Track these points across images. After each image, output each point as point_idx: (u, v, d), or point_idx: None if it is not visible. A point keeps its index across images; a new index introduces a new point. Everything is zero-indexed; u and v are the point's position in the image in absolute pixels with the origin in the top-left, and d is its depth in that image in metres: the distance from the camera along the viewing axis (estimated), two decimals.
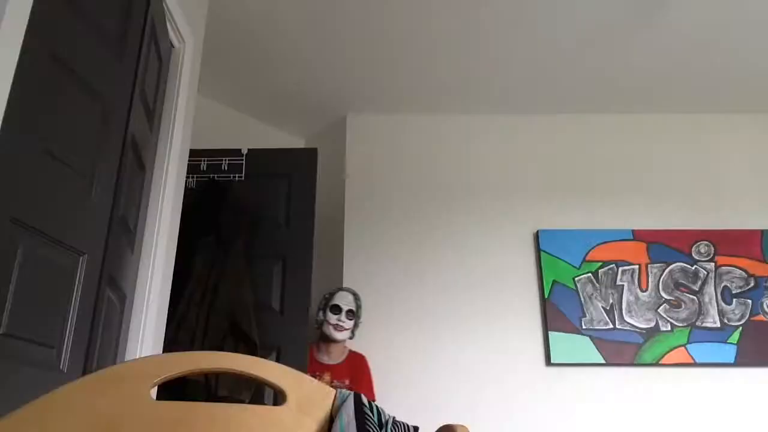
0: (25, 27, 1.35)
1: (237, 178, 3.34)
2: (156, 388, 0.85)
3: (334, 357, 2.92)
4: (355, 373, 2.87)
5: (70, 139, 1.53)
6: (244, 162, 3.37)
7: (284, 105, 3.76)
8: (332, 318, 2.88)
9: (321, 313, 2.97)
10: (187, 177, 3.17)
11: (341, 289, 3.02)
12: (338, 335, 2.87)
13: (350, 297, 2.97)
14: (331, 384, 2.77)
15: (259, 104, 3.76)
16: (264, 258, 3.12)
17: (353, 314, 2.94)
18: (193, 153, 3.26)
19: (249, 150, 3.39)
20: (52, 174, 1.47)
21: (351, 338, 2.96)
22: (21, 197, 1.34)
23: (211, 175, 3.31)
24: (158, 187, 2.27)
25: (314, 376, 2.80)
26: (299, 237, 3.30)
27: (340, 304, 2.91)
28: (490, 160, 3.70)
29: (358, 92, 3.61)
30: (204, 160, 3.36)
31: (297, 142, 4.14)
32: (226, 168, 3.37)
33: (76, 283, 1.54)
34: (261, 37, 3.13)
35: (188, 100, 2.53)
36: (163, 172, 2.29)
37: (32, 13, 1.38)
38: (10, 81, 1.30)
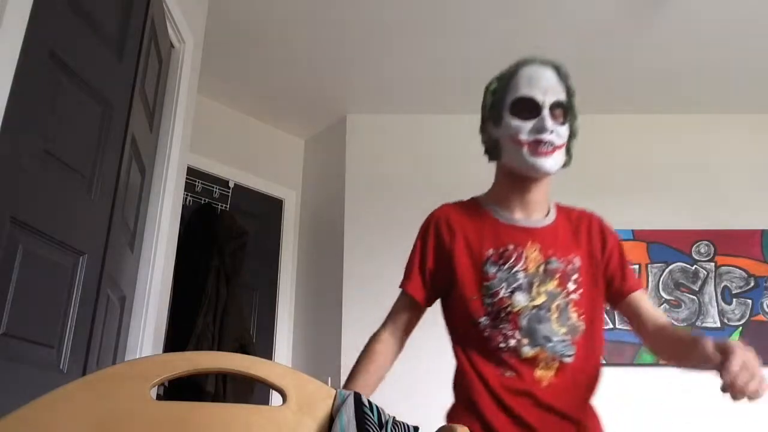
0: (25, 27, 1.35)
1: (222, 208, 3.58)
2: (156, 388, 0.85)
3: (534, 213, 1.43)
4: (598, 245, 1.41)
5: (70, 139, 1.53)
6: (230, 194, 3.64)
7: (284, 105, 3.76)
8: (523, 128, 1.33)
9: (491, 126, 1.45)
10: (184, 194, 3.28)
11: (524, 63, 1.46)
12: (547, 163, 1.35)
13: (549, 74, 1.42)
14: (545, 262, 1.34)
15: (259, 104, 3.76)
16: (243, 287, 3.44)
17: (563, 108, 1.36)
18: (191, 172, 3.40)
19: (235, 184, 3.68)
20: (52, 174, 1.47)
21: (566, 166, 1.45)
22: (21, 197, 1.34)
23: (204, 200, 3.52)
24: (158, 187, 2.27)
25: (503, 253, 1.35)
26: (268, 273, 3.74)
27: (533, 96, 1.34)
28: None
29: (358, 92, 3.61)
30: (198, 182, 3.53)
31: (297, 142, 4.14)
32: (217, 196, 3.59)
33: (76, 283, 1.54)
34: (261, 36, 3.13)
35: (188, 100, 2.53)
36: (163, 171, 2.29)
37: (32, 13, 1.38)
38: (10, 81, 1.30)
